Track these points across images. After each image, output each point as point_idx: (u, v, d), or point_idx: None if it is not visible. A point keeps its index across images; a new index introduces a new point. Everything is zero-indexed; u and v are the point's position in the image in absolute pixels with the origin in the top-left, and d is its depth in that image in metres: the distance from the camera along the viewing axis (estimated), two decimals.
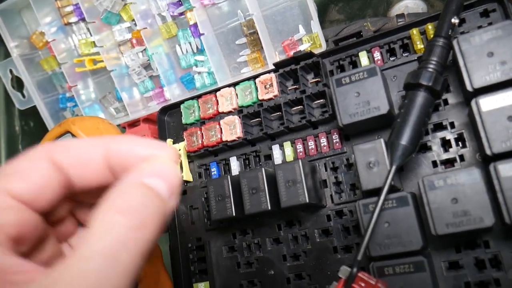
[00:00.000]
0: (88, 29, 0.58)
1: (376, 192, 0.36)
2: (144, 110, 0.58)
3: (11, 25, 0.58)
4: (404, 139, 0.35)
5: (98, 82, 0.60)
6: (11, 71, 0.60)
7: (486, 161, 0.36)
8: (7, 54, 0.64)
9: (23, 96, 0.61)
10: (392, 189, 0.37)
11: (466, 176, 0.34)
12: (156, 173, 0.24)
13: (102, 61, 0.58)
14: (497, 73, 0.35)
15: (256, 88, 0.47)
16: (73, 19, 0.57)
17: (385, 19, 0.51)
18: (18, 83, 0.62)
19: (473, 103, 0.35)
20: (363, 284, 0.33)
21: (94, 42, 0.58)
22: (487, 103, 0.35)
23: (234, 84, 0.48)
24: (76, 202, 0.29)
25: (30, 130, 0.64)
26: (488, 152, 0.34)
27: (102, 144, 0.25)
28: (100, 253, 0.20)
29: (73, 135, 0.48)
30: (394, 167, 0.35)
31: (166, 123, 0.54)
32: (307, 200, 0.40)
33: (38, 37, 0.60)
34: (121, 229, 0.21)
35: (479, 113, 0.35)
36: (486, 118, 0.34)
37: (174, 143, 0.52)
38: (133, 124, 0.59)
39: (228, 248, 0.48)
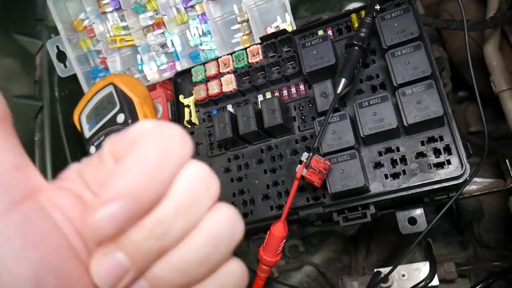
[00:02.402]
0: (119, 16, 0.77)
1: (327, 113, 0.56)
2: (160, 79, 0.77)
3: (59, 13, 0.77)
4: (344, 76, 0.55)
5: (123, 57, 0.79)
6: (57, 47, 0.78)
7: (393, 93, 0.56)
8: (49, 36, 0.83)
9: (65, 66, 0.79)
10: (336, 110, 0.57)
11: (381, 98, 0.55)
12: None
13: (128, 41, 0.77)
14: (400, 36, 0.56)
15: (247, 55, 0.67)
16: (109, 9, 0.77)
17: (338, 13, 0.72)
18: (58, 57, 0.80)
19: (386, 55, 0.56)
20: (316, 162, 0.53)
21: (123, 26, 0.77)
22: (394, 54, 0.55)
23: (231, 53, 0.68)
24: None
25: (66, 95, 0.82)
26: (394, 83, 0.55)
27: None
28: None
29: (114, 85, 0.66)
30: (337, 94, 0.55)
31: (179, 84, 0.73)
32: (282, 121, 0.59)
33: (79, 23, 0.79)
34: None
35: (389, 61, 0.56)
36: (393, 63, 0.55)
37: (184, 97, 0.71)
38: (151, 89, 0.78)
39: (224, 169, 0.66)
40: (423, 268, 0.69)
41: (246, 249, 0.71)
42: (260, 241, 0.68)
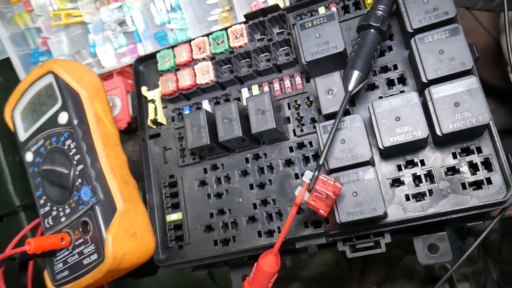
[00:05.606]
0: None
1: (334, 116, 0.43)
2: (118, 65, 0.62)
3: None
4: (357, 67, 0.42)
5: (71, 37, 0.63)
6: None
7: (421, 91, 0.43)
8: None
9: None
10: (346, 113, 0.44)
11: (406, 98, 0.42)
12: None
13: (76, 16, 0.61)
14: (431, 16, 0.43)
15: (228, 38, 0.52)
16: None
17: None
18: None
19: (412, 41, 0.43)
20: (323, 184, 0.39)
21: None
22: (423, 40, 0.42)
23: (207, 35, 0.54)
24: None
25: None
26: (423, 79, 0.42)
27: None
28: None
29: (55, 75, 0.51)
30: (349, 92, 0.42)
31: (141, 73, 0.58)
32: (275, 126, 0.45)
33: None
34: None
35: (417, 49, 0.42)
36: (422, 51, 0.42)
37: (148, 90, 0.56)
38: (107, 78, 0.62)
39: (199, 182, 0.53)
40: None
41: (226, 274, 0.59)
42: (244, 270, 0.56)
